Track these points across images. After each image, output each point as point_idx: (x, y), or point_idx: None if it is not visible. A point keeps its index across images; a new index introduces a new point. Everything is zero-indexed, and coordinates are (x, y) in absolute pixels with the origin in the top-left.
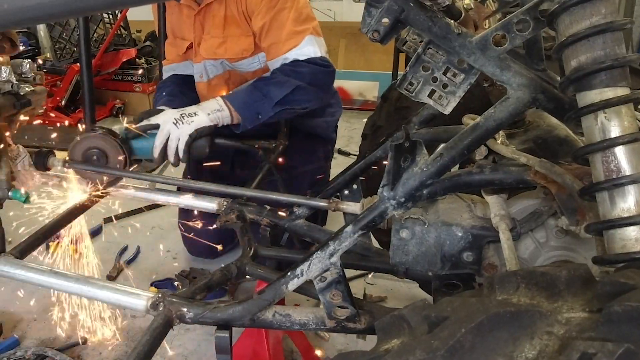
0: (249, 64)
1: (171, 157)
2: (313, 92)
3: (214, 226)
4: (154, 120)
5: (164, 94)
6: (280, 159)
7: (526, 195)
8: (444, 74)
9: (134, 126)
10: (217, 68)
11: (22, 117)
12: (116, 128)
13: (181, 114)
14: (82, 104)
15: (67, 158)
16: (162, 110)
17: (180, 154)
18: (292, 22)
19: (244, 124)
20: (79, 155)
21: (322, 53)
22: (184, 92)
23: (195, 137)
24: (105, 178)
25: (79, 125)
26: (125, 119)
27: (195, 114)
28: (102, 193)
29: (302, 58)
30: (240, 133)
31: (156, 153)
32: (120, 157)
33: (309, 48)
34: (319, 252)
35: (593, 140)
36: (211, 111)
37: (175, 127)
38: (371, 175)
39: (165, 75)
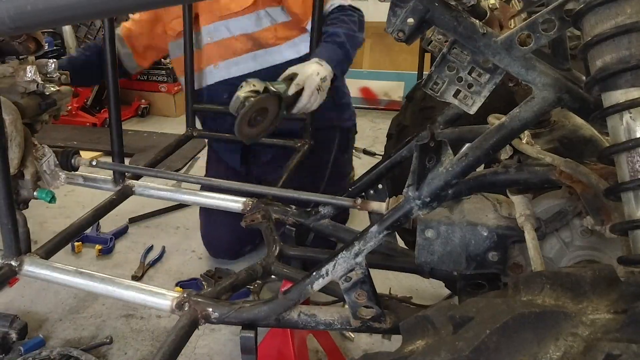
0: (256, 21)
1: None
2: (362, 41)
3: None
4: (300, 81)
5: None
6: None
7: (551, 195)
8: (469, 73)
9: (289, 93)
10: (223, 31)
11: (47, 117)
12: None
13: (321, 78)
14: (108, 104)
15: (93, 158)
16: None
17: (311, 108)
18: None
19: (337, 77)
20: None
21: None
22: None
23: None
24: None
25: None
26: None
27: (326, 78)
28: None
29: (345, 4)
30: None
31: (297, 109)
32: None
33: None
34: (344, 252)
35: (618, 140)
36: (330, 73)
37: (317, 94)
38: (396, 175)
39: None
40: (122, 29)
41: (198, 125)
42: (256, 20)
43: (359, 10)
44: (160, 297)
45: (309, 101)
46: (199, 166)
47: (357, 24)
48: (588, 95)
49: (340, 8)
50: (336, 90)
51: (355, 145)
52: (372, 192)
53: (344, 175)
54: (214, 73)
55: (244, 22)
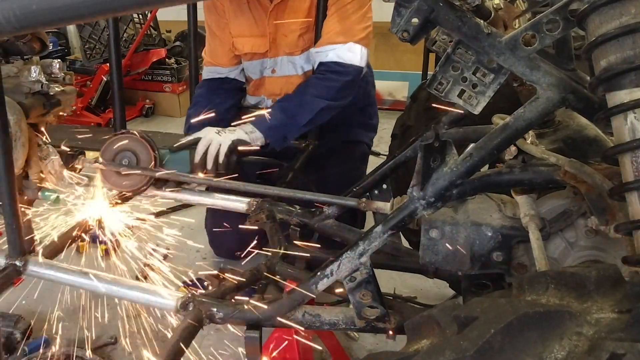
0: (306, 61)
1: (210, 163)
2: (338, 106)
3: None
4: (194, 136)
5: (198, 124)
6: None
7: (556, 195)
8: (474, 73)
9: (176, 144)
10: (289, 65)
11: (51, 117)
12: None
13: (221, 129)
14: (112, 104)
15: (97, 158)
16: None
17: (221, 158)
18: (350, 18)
19: (273, 145)
20: (109, 157)
21: (361, 64)
22: (221, 118)
23: (235, 144)
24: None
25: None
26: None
27: (234, 130)
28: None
29: (337, 60)
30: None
31: (197, 158)
32: (152, 157)
33: (352, 55)
34: (348, 252)
35: (622, 140)
36: (247, 132)
37: (217, 135)
38: (401, 175)
39: (205, 76)
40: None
41: None
42: (307, 59)
43: (348, 68)
44: (164, 297)
45: (207, 145)
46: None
47: (333, 90)
48: (592, 95)
49: (324, 66)
50: (365, 110)
51: None
52: (376, 192)
53: None
54: (266, 102)
55: (304, 60)
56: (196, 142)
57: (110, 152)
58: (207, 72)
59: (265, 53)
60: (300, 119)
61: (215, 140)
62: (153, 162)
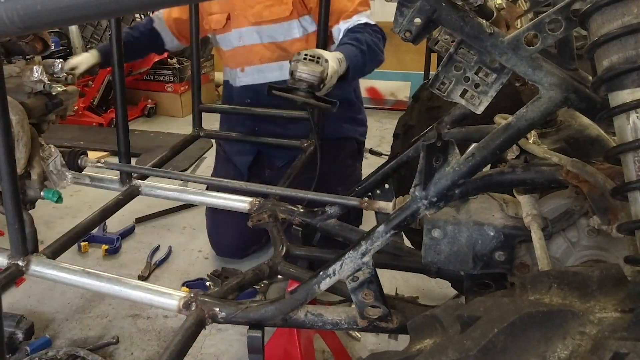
0: (287, 31)
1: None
2: (382, 62)
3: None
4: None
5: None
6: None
7: (558, 195)
8: (476, 73)
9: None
10: (254, 36)
11: (53, 117)
12: None
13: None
14: (114, 104)
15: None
16: None
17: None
18: None
19: (348, 79)
20: None
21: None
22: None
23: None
24: None
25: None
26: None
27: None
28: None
29: (372, 22)
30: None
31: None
32: None
33: (371, 19)
34: (351, 251)
35: (625, 140)
36: (341, 61)
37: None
38: (403, 175)
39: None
40: (164, 12)
41: (204, 125)
42: (287, 30)
43: (383, 32)
44: (167, 297)
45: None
46: (206, 166)
47: (381, 44)
48: (595, 95)
49: (367, 25)
50: (353, 104)
51: None
52: (378, 192)
53: (359, 181)
54: (240, 77)
55: (276, 31)
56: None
57: None
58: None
59: (227, 26)
60: (369, 67)
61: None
62: None
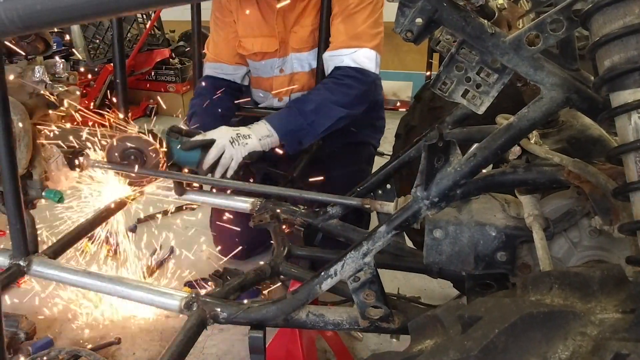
0: (314, 59)
1: (219, 174)
2: (354, 115)
3: (246, 227)
4: (209, 135)
5: (202, 112)
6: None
7: (559, 195)
8: (478, 73)
9: (189, 142)
10: (296, 63)
11: (55, 117)
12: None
13: (237, 134)
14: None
15: (101, 157)
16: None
17: (229, 173)
18: (364, 23)
19: (287, 149)
20: (115, 154)
21: (376, 71)
22: (224, 114)
23: (247, 160)
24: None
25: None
26: (171, 128)
27: (249, 136)
28: (136, 192)
29: (355, 65)
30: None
31: (206, 166)
32: (158, 158)
33: (368, 61)
34: (352, 252)
35: (626, 140)
36: (262, 137)
37: (231, 146)
38: (405, 175)
39: (208, 72)
40: (219, 60)
41: None
42: (314, 56)
43: (366, 77)
44: (168, 297)
45: (220, 152)
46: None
47: (351, 97)
48: (596, 95)
49: (343, 72)
50: (375, 110)
51: None
52: (380, 192)
53: None
54: (274, 102)
55: (312, 57)
56: (209, 144)
57: (116, 149)
58: (210, 69)
59: (275, 52)
60: (319, 126)
61: (228, 153)
62: (160, 159)
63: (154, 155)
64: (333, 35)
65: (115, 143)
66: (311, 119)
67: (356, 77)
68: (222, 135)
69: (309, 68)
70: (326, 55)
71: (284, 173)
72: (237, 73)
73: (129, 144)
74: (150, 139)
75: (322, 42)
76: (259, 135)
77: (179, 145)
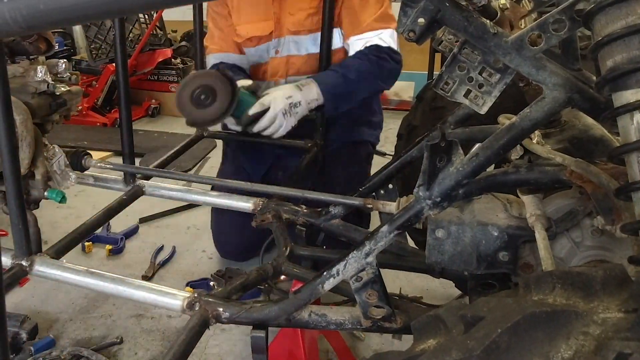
0: (312, 43)
1: (267, 134)
2: (382, 90)
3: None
4: (265, 101)
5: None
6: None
7: (562, 195)
8: (480, 73)
9: (250, 112)
10: (292, 45)
11: (57, 117)
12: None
13: (290, 104)
14: (118, 104)
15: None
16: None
17: (276, 136)
18: (382, 4)
19: (325, 111)
20: (188, 92)
21: (398, 50)
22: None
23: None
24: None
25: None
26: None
27: (299, 104)
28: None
29: (384, 44)
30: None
31: (257, 128)
32: (230, 96)
33: (392, 41)
34: (355, 251)
35: (629, 140)
36: (310, 100)
37: (282, 117)
38: (407, 175)
39: (214, 61)
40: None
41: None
42: (314, 41)
43: (397, 55)
44: (170, 297)
45: (271, 123)
46: (210, 166)
47: (386, 71)
48: (598, 95)
49: (377, 48)
50: (371, 107)
51: None
52: (382, 192)
53: None
54: (268, 85)
55: (310, 42)
56: (264, 111)
57: (190, 86)
58: (216, 59)
59: (270, 35)
60: (358, 95)
61: (278, 122)
62: (230, 101)
63: (225, 96)
64: (353, 22)
65: (189, 80)
66: (354, 87)
67: (389, 54)
68: (277, 103)
69: (305, 52)
70: (352, 39)
71: (303, 143)
72: (243, 62)
73: (203, 82)
74: (225, 78)
75: (326, 26)
76: (308, 100)
77: (248, 95)
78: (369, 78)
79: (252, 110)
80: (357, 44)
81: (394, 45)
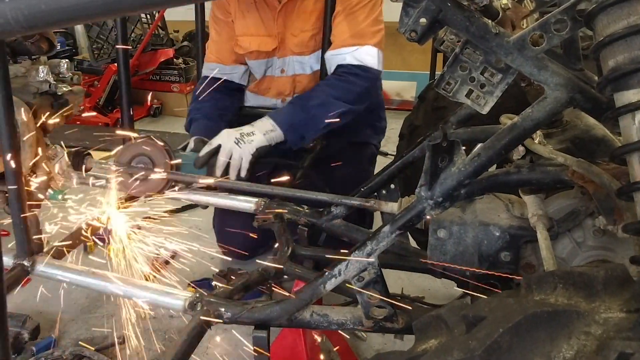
0: (316, 61)
1: (233, 175)
2: (356, 111)
3: (250, 227)
4: (214, 142)
5: (201, 116)
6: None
7: (563, 195)
8: (482, 73)
9: (200, 154)
10: (297, 65)
11: (59, 117)
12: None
13: (241, 134)
14: (120, 104)
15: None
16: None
17: (243, 173)
18: (365, 21)
19: (290, 144)
20: (125, 162)
21: (379, 68)
22: (222, 114)
23: (256, 156)
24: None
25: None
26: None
27: (252, 133)
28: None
29: (357, 63)
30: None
31: (218, 172)
32: (167, 163)
33: (370, 58)
34: (356, 252)
35: (630, 140)
36: (266, 131)
37: (237, 147)
38: (409, 175)
39: (206, 72)
40: (219, 60)
41: None
42: (317, 59)
43: (369, 73)
44: (172, 297)
45: (228, 156)
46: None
47: (354, 94)
48: (600, 95)
49: (348, 69)
50: (376, 112)
51: None
52: (384, 192)
53: None
54: (273, 102)
55: (314, 60)
56: (216, 151)
57: (126, 156)
58: (209, 69)
59: (273, 52)
60: (321, 120)
61: (237, 154)
62: (168, 167)
63: (162, 161)
64: (334, 35)
65: (126, 149)
66: (313, 113)
67: (358, 74)
68: (226, 138)
69: (311, 71)
70: (328, 54)
71: (294, 163)
72: (234, 72)
73: (140, 151)
74: (160, 144)
75: (326, 43)
76: (263, 131)
77: (185, 156)
78: (331, 102)
79: (203, 152)
80: (332, 59)
81: (371, 62)
